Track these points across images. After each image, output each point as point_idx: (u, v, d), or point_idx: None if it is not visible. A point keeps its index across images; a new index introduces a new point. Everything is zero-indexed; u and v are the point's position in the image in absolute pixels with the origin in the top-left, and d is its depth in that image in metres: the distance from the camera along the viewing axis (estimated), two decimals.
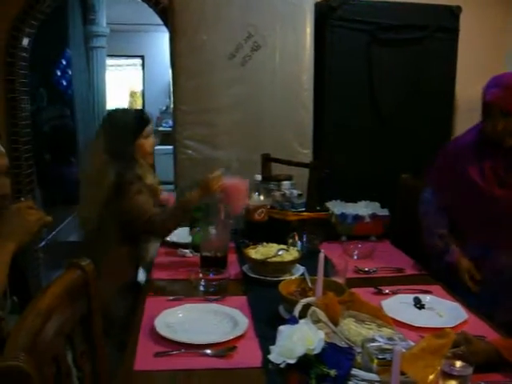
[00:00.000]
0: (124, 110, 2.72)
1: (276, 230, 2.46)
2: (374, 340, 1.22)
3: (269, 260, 2.14)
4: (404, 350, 1.12)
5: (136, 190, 2.32)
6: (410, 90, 3.51)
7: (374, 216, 2.68)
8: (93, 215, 2.38)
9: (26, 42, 4.17)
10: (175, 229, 2.40)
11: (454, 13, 3.50)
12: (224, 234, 2.26)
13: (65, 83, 7.13)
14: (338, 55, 3.43)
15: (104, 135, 2.46)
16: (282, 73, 3.38)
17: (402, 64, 3.49)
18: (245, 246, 2.30)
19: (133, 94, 10.26)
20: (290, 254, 2.20)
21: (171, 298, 1.93)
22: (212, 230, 2.22)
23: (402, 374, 1.07)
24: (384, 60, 3.45)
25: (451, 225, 2.27)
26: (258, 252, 2.22)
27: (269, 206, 2.55)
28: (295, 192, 2.64)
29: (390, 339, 1.23)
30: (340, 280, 1.88)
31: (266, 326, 1.68)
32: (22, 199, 1.63)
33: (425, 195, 2.41)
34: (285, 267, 2.14)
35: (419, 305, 1.88)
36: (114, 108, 2.82)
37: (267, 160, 2.87)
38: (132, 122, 2.48)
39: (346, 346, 1.23)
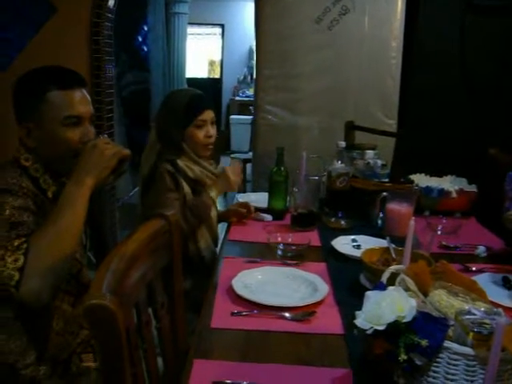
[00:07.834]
0: (182, 93, 2.34)
1: (357, 200, 2.39)
2: (469, 312, 1.13)
3: None
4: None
5: (166, 187, 2.11)
6: (506, 62, 3.32)
7: (461, 191, 2.55)
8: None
9: (111, 2, 4.19)
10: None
11: None
12: (308, 188, 2.25)
13: (145, 49, 7.19)
14: (430, 22, 3.30)
15: (157, 116, 2.28)
16: (370, 39, 3.26)
17: (499, 34, 3.30)
18: (325, 214, 2.27)
19: (211, 63, 10.31)
20: None
21: (248, 260, 1.90)
22: (295, 190, 2.23)
23: (502, 350, 0.99)
24: (480, 29, 3.28)
25: None
26: None
27: (351, 175, 2.48)
28: (379, 162, 2.54)
29: (487, 313, 1.14)
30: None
31: (346, 293, 1.64)
32: (100, 136, 1.58)
33: None
34: None
35: (509, 285, 1.76)
36: (176, 88, 2.63)
37: (351, 128, 2.78)
38: (184, 106, 2.19)
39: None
